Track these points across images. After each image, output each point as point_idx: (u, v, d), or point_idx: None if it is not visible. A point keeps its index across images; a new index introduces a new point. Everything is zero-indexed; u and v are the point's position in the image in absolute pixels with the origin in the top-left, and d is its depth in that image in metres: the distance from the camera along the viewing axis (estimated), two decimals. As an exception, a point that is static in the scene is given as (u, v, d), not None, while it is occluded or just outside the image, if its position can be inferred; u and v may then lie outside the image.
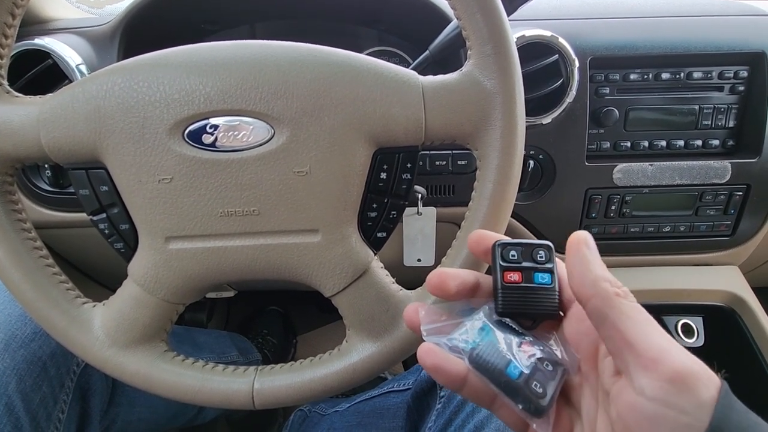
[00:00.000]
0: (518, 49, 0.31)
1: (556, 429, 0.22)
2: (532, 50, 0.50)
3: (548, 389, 0.22)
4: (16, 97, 0.32)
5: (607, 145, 0.55)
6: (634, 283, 0.59)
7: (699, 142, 0.56)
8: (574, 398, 0.23)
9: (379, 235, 0.34)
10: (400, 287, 0.35)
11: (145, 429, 0.56)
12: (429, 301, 0.33)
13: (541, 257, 0.24)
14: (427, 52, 0.48)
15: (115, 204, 0.32)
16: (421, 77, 0.31)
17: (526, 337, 0.23)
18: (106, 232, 0.33)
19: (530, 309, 0.24)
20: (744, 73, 0.54)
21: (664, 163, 0.55)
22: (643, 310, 0.20)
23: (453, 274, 0.25)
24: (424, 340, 0.24)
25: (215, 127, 0.30)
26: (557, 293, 0.24)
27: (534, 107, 0.52)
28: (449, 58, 0.49)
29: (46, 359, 0.43)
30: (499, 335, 0.23)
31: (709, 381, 0.18)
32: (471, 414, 0.37)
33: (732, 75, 0.54)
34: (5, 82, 0.32)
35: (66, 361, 0.44)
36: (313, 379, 0.34)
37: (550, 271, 0.24)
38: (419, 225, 0.52)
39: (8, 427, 0.39)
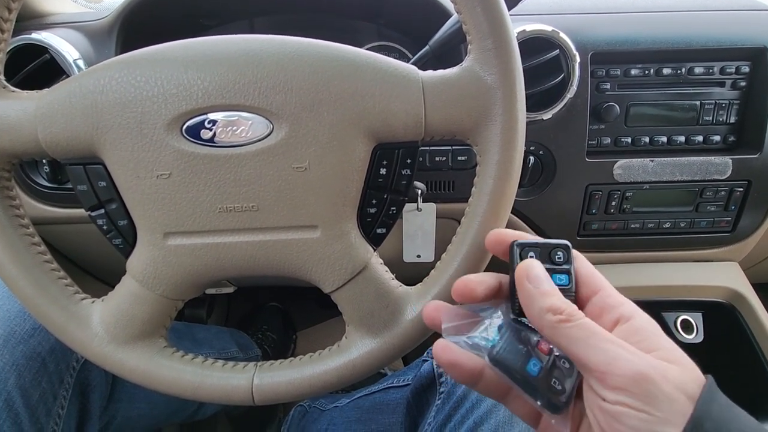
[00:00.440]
0: (519, 44, 0.31)
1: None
2: (533, 45, 0.50)
3: (566, 386, 0.22)
4: (13, 92, 0.31)
5: (607, 140, 0.55)
6: (634, 279, 0.59)
7: (700, 138, 0.55)
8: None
9: (378, 231, 0.34)
10: (400, 283, 0.35)
11: (145, 425, 0.56)
12: (429, 298, 0.33)
13: (559, 258, 0.24)
14: (427, 47, 0.48)
15: (113, 200, 0.32)
16: (420, 72, 0.31)
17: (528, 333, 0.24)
18: (105, 228, 0.32)
19: None
20: (746, 69, 0.54)
21: (665, 159, 0.55)
22: (589, 324, 0.21)
23: (478, 280, 0.26)
24: (442, 337, 0.25)
25: (214, 122, 0.30)
26: (574, 294, 0.24)
27: (534, 103, 0.51)
28: (449, 53, 0.49)
29: (45, 355, 0.43)
30: (518, 333, 0.24)
31: (666, 375, 0.19)
32: (470, 410, 0.37)
33: (734, 70, 0.54)
34: (2, 77, 0.32)
35: (65, 357, 0.44)
36: (312, 375, 0.34)
37: (568, 272, 0.24)
38: (419, 221, 0.52)
39: (8, 423, 0.39)
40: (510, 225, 0.59)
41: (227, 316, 1.22)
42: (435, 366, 0.40)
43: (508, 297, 0.26)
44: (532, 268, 0.23)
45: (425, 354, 0.47)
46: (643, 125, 0.55)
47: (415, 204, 0.51)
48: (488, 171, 0.32)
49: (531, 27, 0.49)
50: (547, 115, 0.51)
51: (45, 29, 0.52)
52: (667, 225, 0.58)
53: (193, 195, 0.31)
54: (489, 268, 0.31)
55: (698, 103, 0.54)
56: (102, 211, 0.32)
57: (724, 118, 0.55)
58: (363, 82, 0.30)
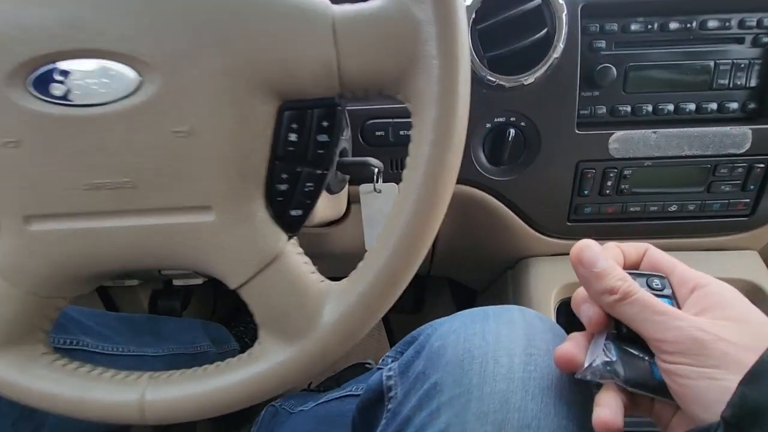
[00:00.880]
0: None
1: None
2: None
3: None
4: None
5: (602, 110, 0.47)
6: (634, 270, 0.51)
7: (714, 106, 0.47)
8: None
9: (293, 213, 0.27)
10: (323, 278, 0.28)
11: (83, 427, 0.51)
12: (354, 297, 0.26)
13: (657, 285, 0.25)
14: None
15: None
16: (333, 6, 0.24)
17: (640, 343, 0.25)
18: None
19: None
20: (770, 21, 0.45)
21: (671, 130, 0.47)
22: (642, 299, 0.23)
23: (575, 350, 0.26)
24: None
25: (65, 73, 0.23)
26: None
27: (513, 65, 0.44)
28: None
29: None
30: (629, 350, 0.25)
31: (719, 334, 0.21)
32: (419, 430, 0.30)
33: (755, 23, 0.45)
34: None
35: None
36: (216, 389, 0.28)
37: (669, 297, 0.24)
38: (378, 204, 0.45)
39: None
40: (488, 210, 0.53)
41: (214, 308, 1.17)
42: (384, 378, 0.33)
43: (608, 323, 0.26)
44: (585, 249, 0.24)
45: (380, 361, 0.40)
46: (646, 91, 0.47)
47: (372, 185, 0.44)
48: (423, 133, 0.25)
49: (506, -30, 0.42)
50: (528, 80, 0.43)
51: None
52: (674, 208, 0.50)
53: (51, 169, 0.25)
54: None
55: (712, 63, 0.46)
56: None
57: (743, 81, 0.46)
58: (256, 19, 0.23)
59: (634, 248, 0.27)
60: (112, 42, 0.23)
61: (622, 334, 0.25)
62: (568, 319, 0.48)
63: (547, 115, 0.46)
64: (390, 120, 0.46)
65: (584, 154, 0.47)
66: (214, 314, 1.15)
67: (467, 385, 0.27)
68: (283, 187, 0.27)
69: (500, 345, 0.28)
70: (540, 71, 0.43)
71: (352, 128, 0.46)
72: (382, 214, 0.46)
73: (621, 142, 0.47)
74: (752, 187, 0.49)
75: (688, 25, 0.45)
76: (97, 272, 0.27)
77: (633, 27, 0.45)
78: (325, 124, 0.26)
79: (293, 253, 0.27)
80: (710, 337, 0.21)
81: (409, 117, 0.45)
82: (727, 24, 0.45)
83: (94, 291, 0.87)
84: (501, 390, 0.26)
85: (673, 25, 0.45)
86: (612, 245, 0.26)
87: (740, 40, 0.46)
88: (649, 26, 0.45)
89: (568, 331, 0.28)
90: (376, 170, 0.41)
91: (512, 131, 0.46)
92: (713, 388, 0.20)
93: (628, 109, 0.47)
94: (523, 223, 0.51)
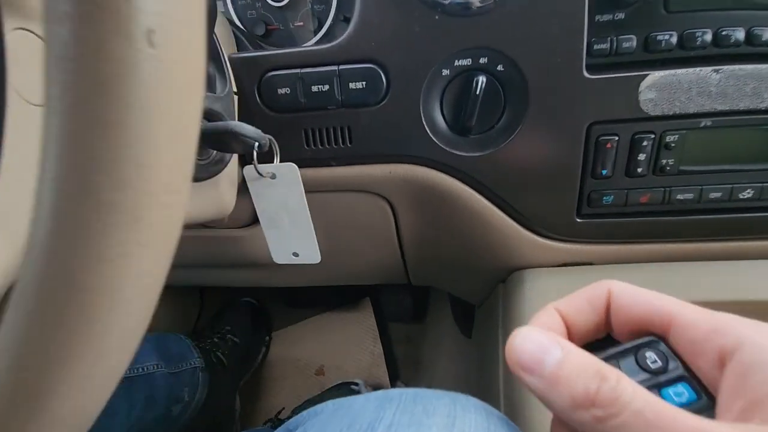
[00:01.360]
0: None
1: None
2: None
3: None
4: None
5: (630, 41, 0.30)
6: (685, 290, 0.34)
7: (818, 26, 0.29)
8: None
9: None
10: None
11: None
12: None
13: (654, 360, 0.15)
14: None
15: None
16: None
17: None
18: None
19: None
20: None
21: (743, 66, 0.29)
22: (639, 409, 0.13)
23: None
24: None
25: None
26: (713, 408, 0.14)
27: (477, -31, 0.27)
28: None
29: None
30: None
31: None
32: None
33: None
34: None
35: None
36: None
37: (681, 378, 0.15)
38: (278, 196, 0.30)
39: None
40: (456, 199, 0.35)
41: (198, 318, 1.07)
42: None
43: None
44: (519, 343, 0.15)
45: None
46: (700, 9, 0.29)
47: (261, 166, 0.29)
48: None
49: None
50: (502, -8, 0.27)
51: None
52: (748, 194, 0.32)
53: None
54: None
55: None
56: None
57: None
58: None
59: (584, 299, 0.17)
60: None
61: None
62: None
63: (538, 51, 0.29)
64: (297, 70, 0.31)
65: (600, 112, 0.30)
66: (196, 325, 1.05)
67: None
68: None
69: None
70: (521, -22, 0.27)
71: (246, 85, 0.32)
72: (287, 210, 0.31)
73: (660, 89, 0.30)
74: None
75: None
76: None
77: None
78: None
79: None
80: None
81: (326, 65, 0.30)
82: None
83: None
84: None
85: None
86: (546, 310, 0.17)
87: None
88: None
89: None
90: (255, 144, 0.26)
91: (482, 80, 0.30)
92: None
93: (673, 38, 0.29)
94: (510, 220, 0.35)
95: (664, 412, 0.13)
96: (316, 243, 0.32)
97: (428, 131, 0.32)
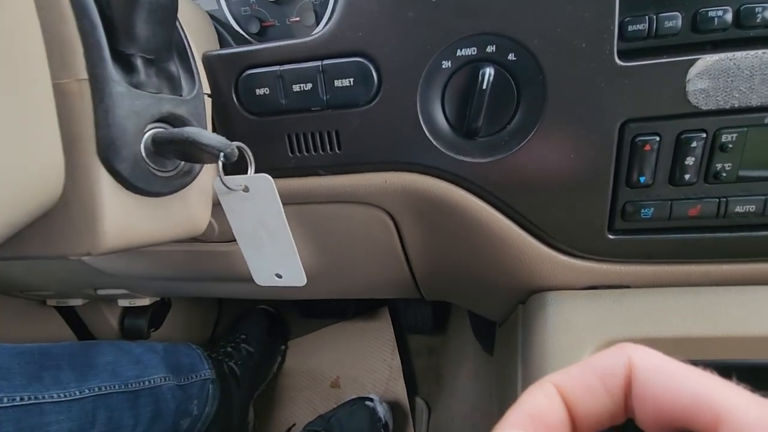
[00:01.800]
0: None
1: None
2: None
3: None
4: None
5: (674, 20, 0.24)
6: (742, 321, 0.28)
7: None
8: None
9: None
10: None
11: None
12: None
13: None
14: None
15: None
16: None
17: None
18: None
19: None
20: None
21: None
22: None
23: None
24: None
25: None
26: None
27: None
28: None
29: None
30: None
31: None
32: None
33: None
34: None
35: None
36: None
37: None
38: (253, 211, 0.26)
39: None
40: (463, 212, 0.29)
41: (216, 324, 1.06)
42: None
43: None
44: None
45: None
46: (767, -25, 0.23)
47: (229, 179, 0.25)
48: None
49: None
50: (512, -36, 0.22)
51: None
52: (829, 205, 0.26)
53: None
54: None
55: None
56: None
57: None
58: None
59: (594, 374, 0.12)
60: None
61: None
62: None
63: (558, 34, 0.24)
64: (277, 68, 0.27)
65: (636, 107, 0.25)
66: (214, 333, 1.04)
67: None
68: None
69: None
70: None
71: (223, 86, 0.28)
72: (265, 227, 0.27)
73: (714, 77, 0.24)
74: None
75: None
76: None
77: None
78: None
79: None
80: None
81: (308, 60, 0.26)
82: None
83: (53, 311, 0.78)
84: None
85: None
86: (541, 388, 0.12)
87: None
88: None
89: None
90: (221, 153, 0.22)
91: (490, 72, 0.25)
92: None
93: (727, 14, 0.24)
94: (527, 236, 0.30)
95: None
96: (300, 264, 0.28)
97: (427, 134, 0.27)
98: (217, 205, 0.28)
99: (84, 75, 0.20)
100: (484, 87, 0.25)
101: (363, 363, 0.92)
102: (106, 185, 0.21)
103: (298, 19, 0.34)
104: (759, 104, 0.24)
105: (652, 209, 0.27)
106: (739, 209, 0.26)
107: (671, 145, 0.25)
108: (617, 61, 0.24)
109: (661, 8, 0.24)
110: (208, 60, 0.28)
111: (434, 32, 0.25)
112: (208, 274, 0.43)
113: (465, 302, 0.52)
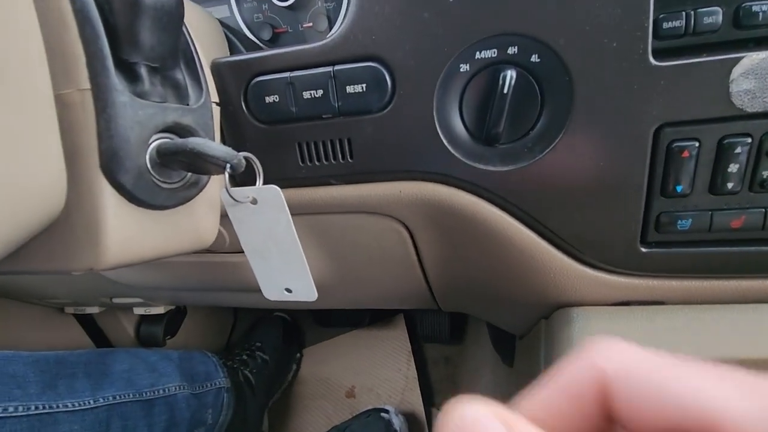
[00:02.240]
0: None
1: None
2: None
3: None
4: None
5: (714, 15, 0.22)
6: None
7: None
8: None
9: None
10: None
11: None
12: None
13: None
14: None
15: None
16: None
17: None
18: None
19: None
20: None
21: None
22: None
23: None
24: None
25: None
26: None
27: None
28: None
29: None
30: None
31: None
32: None
33: None
34: None
35: None
36: None
37: None
38: (262, 224, 0.25)
39: None
40: (483, 222, 0.27)
41: (232, 330, 1.06)
42: None
43: None
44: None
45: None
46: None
47: (238, 191, 0.24)
48: None
49: None
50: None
51: None
52: None
53: None
54: None
55: None
56: None
57: None
58: None
59: (561, 394, 0.10)
60: None
61: None
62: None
63: (586, 33, 0.23)
64: (287, 74, 0.26)
65: (673, 111, 0.23)
66: (229, 340, 1.03)
67: None
68: None
69: None
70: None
71: (232, 94, 0.27)
72: (275, 240, 0.26)
73: (761, 76, 0.22)
74: None
75: None
76: None
77: None
78: None
79: None
80: None
81: (319, 65, 0.25)
82: None
83: (71, 318, 0.79)
84: None
85: None
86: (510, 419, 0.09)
87: None
88: None
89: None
90: (228, 165, 0.21)
91: (512, 75, 0.23)
92: None
93: (776, 7, 0.22)
94: (551, 248, 0.28)
95: None
96: (311, 279, 0.26)
97: (444, 141, 0.26)
98: (226, 216, 0.27)
99: (86, 85, 0.19)
100: (505, 91, 0.23)
101: (378, 372, 0.90)
102: (109, 198, 0.20)
103: (311, 24, 0.33)
104: (812, 105, 0.22)
105: (690, 220, 0.25)
106: (788, 221, 0.24)
107: (712, 151, 0.23)
108: (651, 60, 0.22)
109: (699, 3, 0.22)
110: (216, 67, 0.27)
111: (451, 34, 0.24)
112: (220, 284, 0.42)
113: (484, 314, 0.50)
